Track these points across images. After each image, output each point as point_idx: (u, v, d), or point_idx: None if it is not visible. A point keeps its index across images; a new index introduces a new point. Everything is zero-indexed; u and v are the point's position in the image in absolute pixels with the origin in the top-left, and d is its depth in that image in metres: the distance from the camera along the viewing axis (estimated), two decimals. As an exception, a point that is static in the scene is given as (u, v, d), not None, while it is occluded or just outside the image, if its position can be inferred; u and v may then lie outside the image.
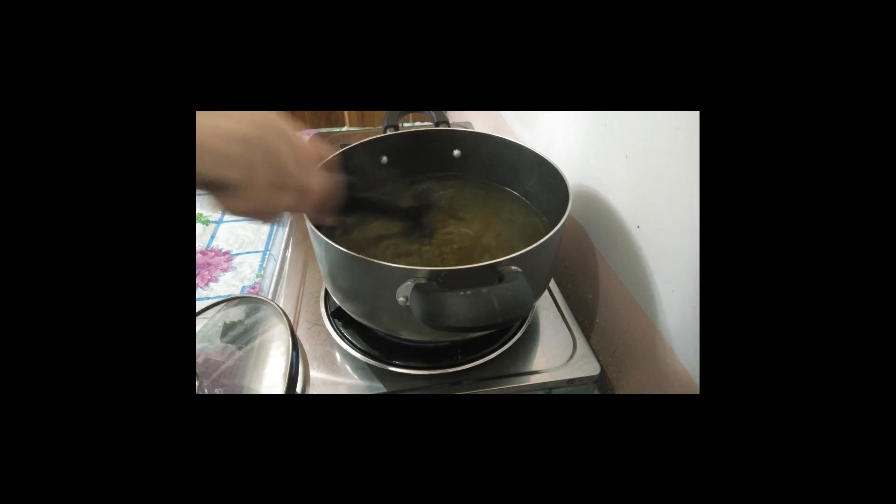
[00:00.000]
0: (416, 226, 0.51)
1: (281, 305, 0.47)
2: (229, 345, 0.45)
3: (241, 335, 0.45)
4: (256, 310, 0.48)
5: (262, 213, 0.31)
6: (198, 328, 0.46)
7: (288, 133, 0.30)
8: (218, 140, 0.25)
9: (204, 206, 0.72)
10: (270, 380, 0.41)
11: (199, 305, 0.49)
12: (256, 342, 0.45)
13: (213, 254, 0.71)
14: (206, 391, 0.41)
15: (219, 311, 0.48)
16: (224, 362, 0.43)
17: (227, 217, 0.79)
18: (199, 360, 0.43)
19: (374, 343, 0.50)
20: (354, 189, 0.40)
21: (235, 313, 0.48)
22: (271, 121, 0.29)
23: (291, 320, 0.46)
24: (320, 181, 0.34)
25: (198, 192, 0.27)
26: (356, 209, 0.43)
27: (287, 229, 0.71)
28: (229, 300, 0.49)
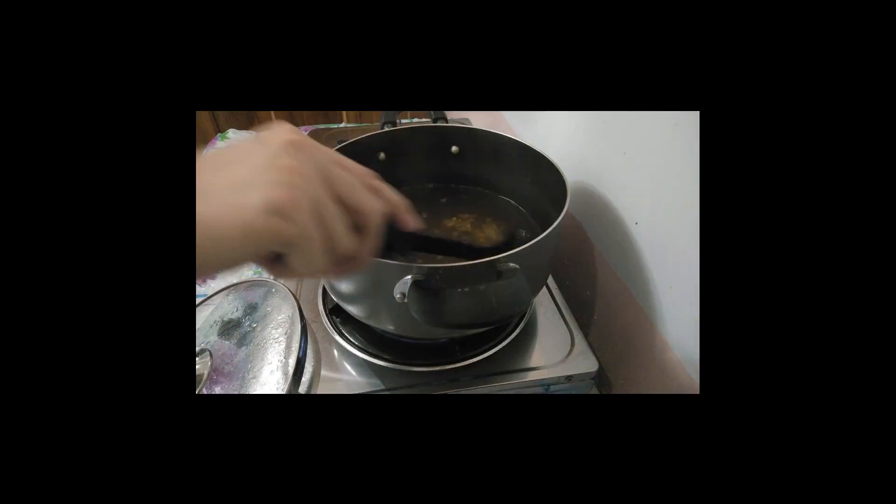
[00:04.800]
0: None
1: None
2: (228, 342, 0.45)
3: (245, 327, 0.45)
4: (265, 294, 0.47)
5: (328, 273, 0.27)
6: (198, 323, 0.46)
7: (331, 173, 0.23)
8: (242, 224, 0.20)
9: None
10: (271, 375, 0.40)
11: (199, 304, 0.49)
12: (258, 331, 0.44)
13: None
14: (206, 391, 0.41)
15: (218, 304, 0.48)
16: (224, 360, 0.43)
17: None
18: (199, 356, 0.43)
19: (372, 340, 0.50)
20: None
21: (234, 309, 0.48)
22: (304, 165, 0.22)
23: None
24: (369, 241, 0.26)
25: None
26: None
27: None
28: (237, 285, 0.48)
